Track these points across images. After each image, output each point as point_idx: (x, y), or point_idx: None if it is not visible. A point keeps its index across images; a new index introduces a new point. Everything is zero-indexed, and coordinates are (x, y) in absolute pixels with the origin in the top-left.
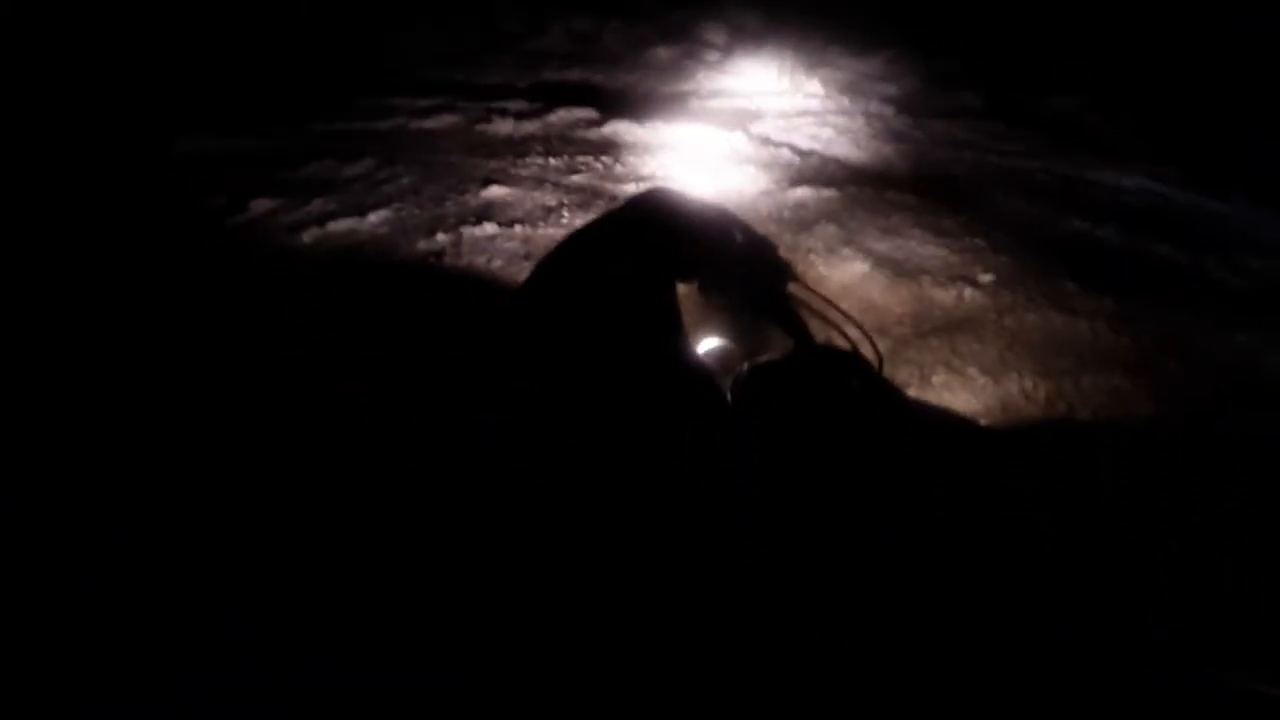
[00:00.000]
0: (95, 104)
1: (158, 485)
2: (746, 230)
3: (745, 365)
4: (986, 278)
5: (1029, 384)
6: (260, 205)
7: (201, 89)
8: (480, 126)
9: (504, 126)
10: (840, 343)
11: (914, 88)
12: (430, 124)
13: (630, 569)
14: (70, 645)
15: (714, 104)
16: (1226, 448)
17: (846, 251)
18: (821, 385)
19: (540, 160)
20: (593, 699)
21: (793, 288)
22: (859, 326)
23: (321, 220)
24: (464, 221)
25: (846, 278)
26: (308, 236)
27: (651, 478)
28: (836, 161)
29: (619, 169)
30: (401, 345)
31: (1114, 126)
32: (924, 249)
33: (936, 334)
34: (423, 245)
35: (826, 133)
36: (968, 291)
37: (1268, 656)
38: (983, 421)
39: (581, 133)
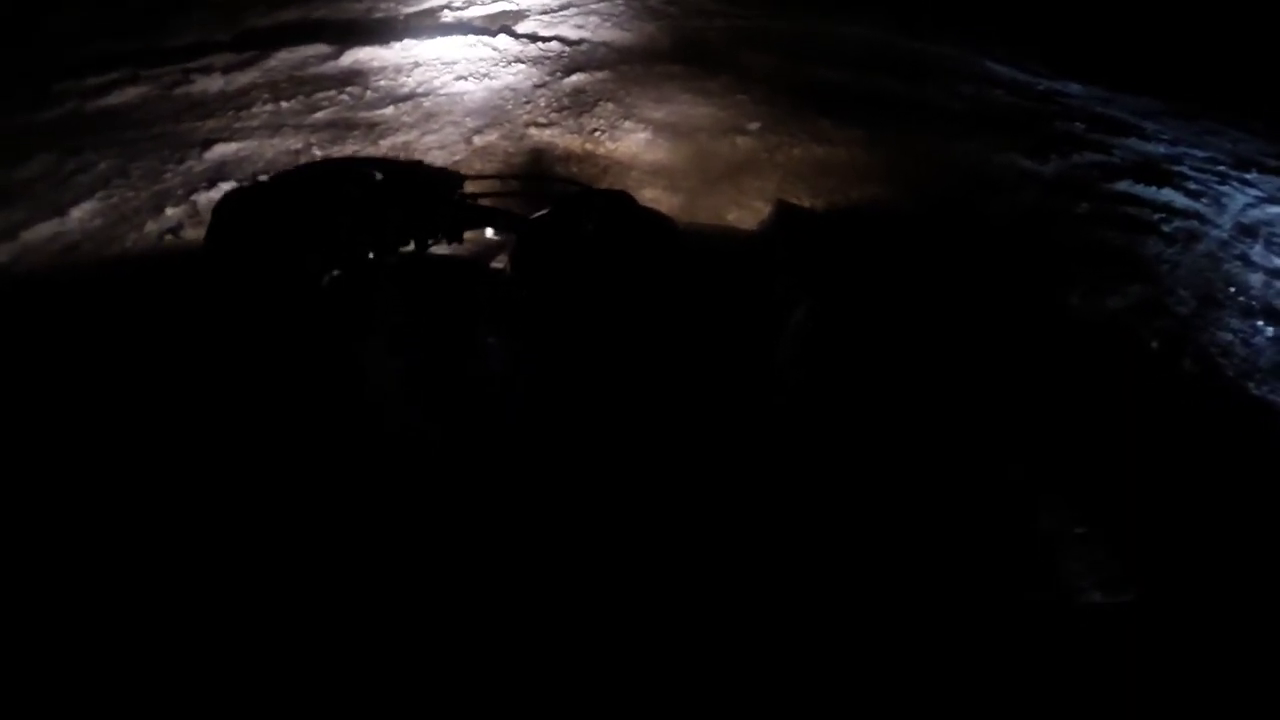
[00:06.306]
0: None
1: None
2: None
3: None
4: (754, 126)
5: (807, 204)
6: None
7: None
8: (180, 90)
9: (211, 84)
10: None
11: None
12: (113, 100)
13: None
14: (70, 645)
15: (471, 13)
16: (972, 226)
17: (628, 124)
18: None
19: (270, 107)
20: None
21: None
22: None
23: (10, 233)
24: (194, 189)
25: (633, 147)
26: None
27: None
28: (605, 45)
29: (370, 95)
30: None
31: None
32: (695, 110)
33: (722, 180)
34: (152, 226)
35: (592, 20)
36: (740, 140)
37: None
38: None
39: (315, 69)
